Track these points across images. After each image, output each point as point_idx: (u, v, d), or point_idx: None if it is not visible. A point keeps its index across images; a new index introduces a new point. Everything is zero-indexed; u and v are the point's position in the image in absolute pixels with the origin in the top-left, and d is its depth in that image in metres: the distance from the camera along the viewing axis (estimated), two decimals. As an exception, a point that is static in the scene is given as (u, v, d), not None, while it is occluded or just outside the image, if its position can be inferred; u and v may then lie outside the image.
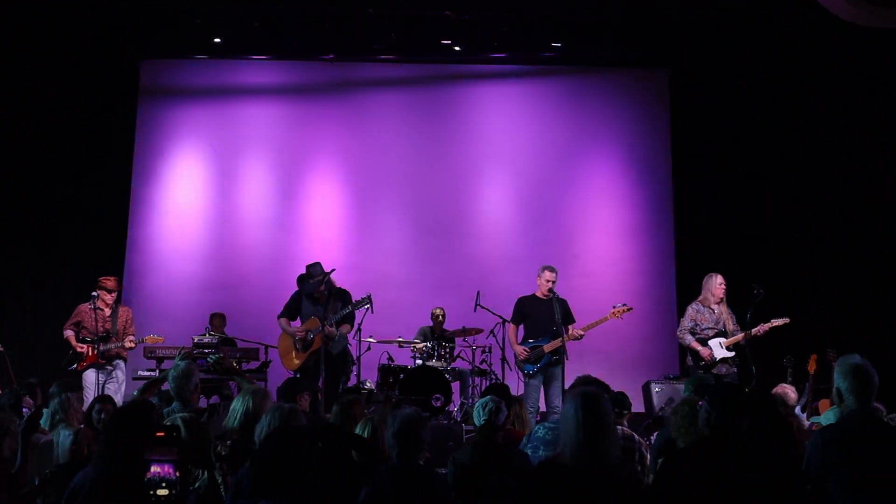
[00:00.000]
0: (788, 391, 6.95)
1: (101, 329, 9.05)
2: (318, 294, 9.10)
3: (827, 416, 5.05)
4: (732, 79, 11.86)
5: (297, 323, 9.31)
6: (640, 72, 12.51)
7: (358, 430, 4.85)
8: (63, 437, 5.26)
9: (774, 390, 6.80)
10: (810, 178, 11.57)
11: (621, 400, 6.35)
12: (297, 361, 9.10)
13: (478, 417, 5.22)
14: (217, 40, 11.31)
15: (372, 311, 9.38)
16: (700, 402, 4.19)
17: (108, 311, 9.28)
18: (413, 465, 4.43)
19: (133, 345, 9.26)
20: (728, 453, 3.77)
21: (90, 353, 9.08)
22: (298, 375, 9.09)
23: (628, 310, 9.21)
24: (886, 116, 11.21)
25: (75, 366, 9.14)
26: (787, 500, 3.78)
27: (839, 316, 10.94)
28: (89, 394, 8.53)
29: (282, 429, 4.30)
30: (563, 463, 3.72)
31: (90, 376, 9.08)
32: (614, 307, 9.22)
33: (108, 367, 9.18)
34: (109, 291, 9.31)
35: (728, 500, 3.65)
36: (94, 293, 9.16)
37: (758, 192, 11.74)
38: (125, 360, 9.39)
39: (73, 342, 9.16)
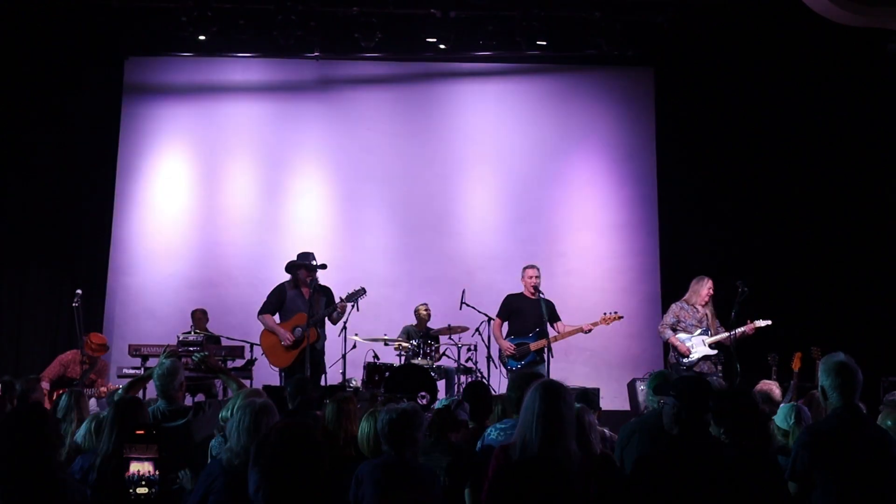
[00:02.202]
0: (773, 387, 6.85)
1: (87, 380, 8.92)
2: (306, 281, 9.05)
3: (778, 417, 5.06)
4: (717, 77, 11.89)
5: (278, 317, 9.25)
6: (625, 70, 12.52)
7: (363, 427, 4.83)
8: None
9: (758, 387, 6.73)
10: (795, 176, 11.60)
11: (590, 398, 6.30)
12: (286, 358, 9.05)
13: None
14: (202, 38, 11.27)
15: (357, 309, 9.37)
16: (662, 400, 4.16)
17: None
18: (404, 459, 4.43)
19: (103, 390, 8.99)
20: (700, 452, 3.76)
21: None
22: (285, 373, 9.07)
23: (619, 318, 9.26)
24: (870, 115, 11.25)
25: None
26: (766, 498, 3.78)
27: (824, 313, 10.98)
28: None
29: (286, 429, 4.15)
30: (520, 459, 3.70)
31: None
32: (605, 314, 9.26)
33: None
34: (95, 350, 9.11)
35: (705, 499, 3.64)
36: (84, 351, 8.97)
37: (742, 190, 11.79)
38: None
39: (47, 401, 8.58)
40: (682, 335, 8.83)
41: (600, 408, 7.60)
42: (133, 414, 4.71)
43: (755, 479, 3.77)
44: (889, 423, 4.90)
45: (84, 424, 5.33)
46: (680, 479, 3.67)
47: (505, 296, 9.70)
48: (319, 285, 9.13)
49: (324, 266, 9.13)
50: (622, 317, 9.34)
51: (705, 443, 3.81)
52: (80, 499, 3.90)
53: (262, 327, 9.27)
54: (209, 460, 4.90)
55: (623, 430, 5.27)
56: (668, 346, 9.11)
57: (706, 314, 8.93)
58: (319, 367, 9.12)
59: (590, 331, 9.22)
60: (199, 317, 10.83)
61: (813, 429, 4.32)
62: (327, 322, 9.33)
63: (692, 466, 3.69)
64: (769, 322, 8.77)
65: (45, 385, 8.84)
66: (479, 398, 5.80)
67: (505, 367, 9.22)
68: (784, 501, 4.04)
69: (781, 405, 5.46)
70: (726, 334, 8.70)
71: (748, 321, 8.73)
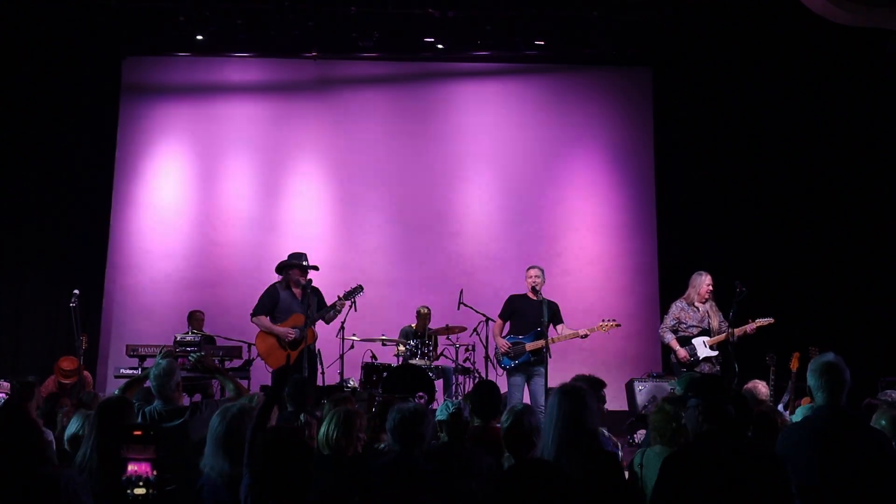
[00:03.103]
0: (759, 386, 6.90)
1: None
2: (299, 281, 9.02)
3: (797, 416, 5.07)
4: (716, 76, 11.89)
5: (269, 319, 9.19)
6: (623, 70, 12.53)
7: (324, 424, 4.80)
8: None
9: (745, 386, 6.78)
10: (794, 176, 11.60)
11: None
12: (285, 360, 8.99)
13: (444, 412, 5.06)
14: (200, 37, 11.26)
15: (355, 309, 9.35)
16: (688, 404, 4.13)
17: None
18: (413, 457, 4.43)
19: None
20: (728, 451, 3.73)
21: None
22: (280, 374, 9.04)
23: (616, 325, 9.25)
24: (870, 115, 11.24)
25: None
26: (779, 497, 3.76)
27: (822, 314, 10.97)
28: None
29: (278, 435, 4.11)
30: (539, 461, 3.67)
31: None
32: (603, 321, 9.25)
33: None
34: (67, 376, 9.05)
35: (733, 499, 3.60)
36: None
37: (741, 190, 11.78)
38: None
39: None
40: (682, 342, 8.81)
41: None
42: (119, 415, 4.64)
43: (763, 477, 3.75)
44: (883, 422, 4.88)
45: (74, 420, 5.33)
46: (716, 472, 3.61)
47: (507, 296, 9.67)
48: (312, 287, 9.11)
49: (316, 268, 9.11)
50: (620, 325, 9.33)
51: (735, 435, 3.77)
52: (76, 488, 3.84)
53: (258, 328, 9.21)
54: None
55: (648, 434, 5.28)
56: (667, 347, 9.08)
57: (707, 312, 8.90)
58: (316, 367, 9.11)
59: (586, 336, 9.20)
60: (199, 317, 10.82)
61: (794, 427, 4.32)
62: (320, 321, 9.30)
63: (726, 460, 3.64)
64: (771, 320, 8.73)
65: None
66: (487, 398, 5.76)
67: (499, 364, 9.23)
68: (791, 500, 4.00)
69: (800, 408, 5.48)
70: (727, 332, 8.66)
71: (749, 320, 8.70)
